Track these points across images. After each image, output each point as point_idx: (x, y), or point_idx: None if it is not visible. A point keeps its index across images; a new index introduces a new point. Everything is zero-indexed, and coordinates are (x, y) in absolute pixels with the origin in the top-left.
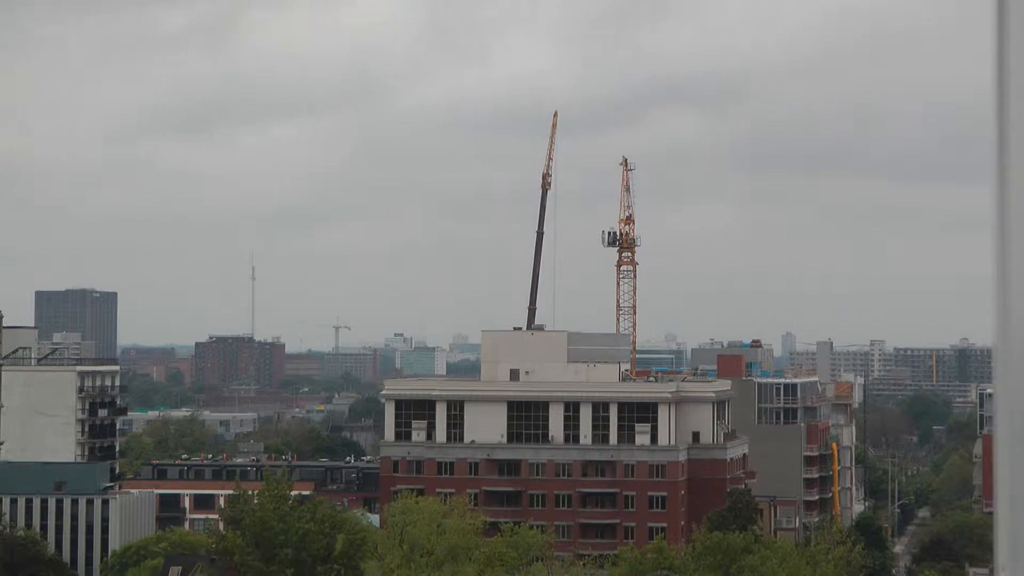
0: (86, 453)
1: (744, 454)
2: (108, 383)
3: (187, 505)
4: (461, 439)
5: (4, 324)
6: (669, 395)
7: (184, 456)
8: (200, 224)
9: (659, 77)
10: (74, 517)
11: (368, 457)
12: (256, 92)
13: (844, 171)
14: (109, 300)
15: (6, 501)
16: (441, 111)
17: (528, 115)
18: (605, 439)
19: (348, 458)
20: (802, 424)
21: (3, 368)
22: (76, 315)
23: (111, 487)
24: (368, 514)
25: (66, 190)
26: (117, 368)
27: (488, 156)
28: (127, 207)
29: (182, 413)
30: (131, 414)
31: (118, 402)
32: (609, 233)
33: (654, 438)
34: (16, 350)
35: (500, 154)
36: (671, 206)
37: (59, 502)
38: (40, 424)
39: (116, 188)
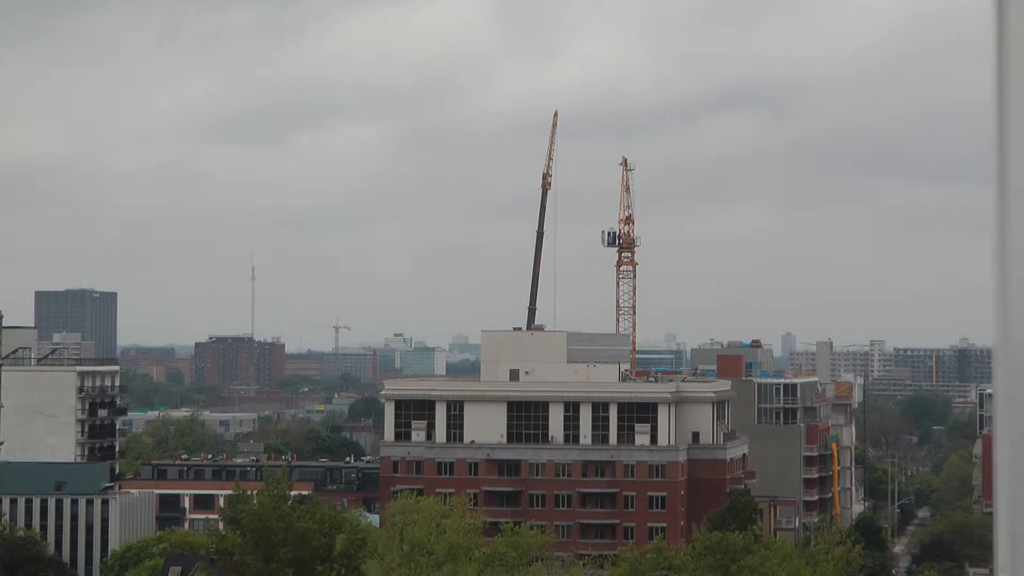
0: (86, 453)
1: (744, 454)
2: (108, 383)
3: (187, 505)
4: (461, 439)
5: (4, 324)
6: (669, 395)
7: (184, 456)
8: (208, 225)
9: (696, 85)
10: (74, 517)
11: (368, 457)
12: (300, 95)
13: (845, 172)
14: (109, 300)
15: (6, 501)
16: (501, 113)
17: (591, 118)
18: (605, 439)
19: (348, 458)
20: (802, 424)
21: (3, 368)
22: (76, 315)
23: (111, 487)
24: (367, 514)
25: (95, 191)
26: (117, 368)
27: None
28: (150, 207)
29: (182, 413)
30: (131, 414)
31: (118, 402)
32: (609, 233)
33: (654, 438)
34: (16, 350)
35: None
36: (674, 208)
37: (59, 502)
38: (40, 424)
39: (138, 189)
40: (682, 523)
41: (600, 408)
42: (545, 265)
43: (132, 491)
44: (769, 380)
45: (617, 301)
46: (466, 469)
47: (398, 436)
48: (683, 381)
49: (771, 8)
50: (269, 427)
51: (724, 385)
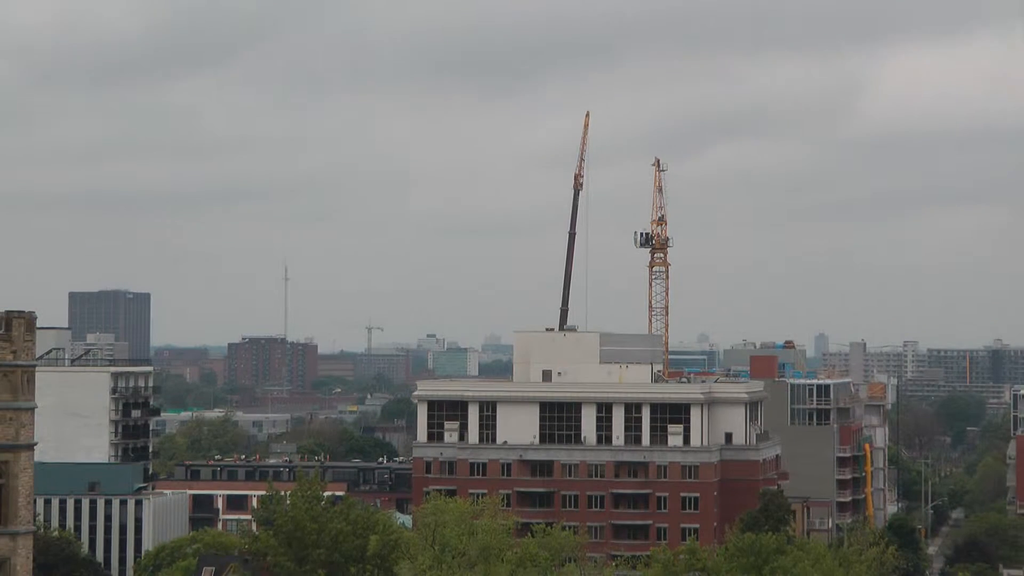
0: (119, 454)
1: (777, 455)
2: (141, 384)
3: (220, 505)
4: (493, 440)
5: (37, 325)
6: (702, 396)
7: (217, 457)
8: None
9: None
10: (108, 517)
11: (400, 458)
12: None
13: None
14: (142, 301)
15: (40, 501)
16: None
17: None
18: (638, 440)
19: (381, 459)
20: (835, 425)
21: (37, 369)
22: (109, 316)
23: (144, 488)
24: (399, 515)
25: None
26: (150, 369)
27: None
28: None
29: (215, 414)
30: (164, 415)
31: (151, 403)
32: (642, 234)
33: (687, 439)
34: (50, 351)
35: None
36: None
37: (93, 503)
38: (74, 425)
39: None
40: (715, 524)
41: (633, 409)
42: (578, 265)
43: (165, 492)
44: (802, 381)
45: (650, 302)
46: (499, 470)
47: (431, 437)
48: (716, 382)
49: None
50: (302, 428)
51: (757, 386)
